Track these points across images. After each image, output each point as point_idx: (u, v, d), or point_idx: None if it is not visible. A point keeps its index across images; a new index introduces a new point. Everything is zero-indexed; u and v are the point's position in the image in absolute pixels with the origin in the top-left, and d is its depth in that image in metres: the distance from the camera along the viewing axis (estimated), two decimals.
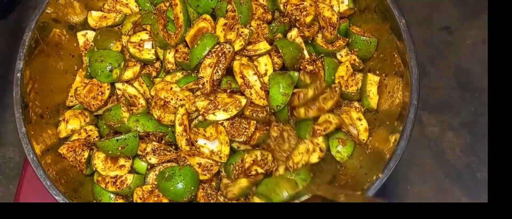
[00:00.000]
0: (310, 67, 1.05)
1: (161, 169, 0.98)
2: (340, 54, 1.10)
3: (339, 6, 1.08)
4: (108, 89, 1.03)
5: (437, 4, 2.16)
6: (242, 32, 1.00)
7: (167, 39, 1.01)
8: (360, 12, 1.10)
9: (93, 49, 1.09)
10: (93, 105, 1.03)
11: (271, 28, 1.07)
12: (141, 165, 1.03)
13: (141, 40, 1.04)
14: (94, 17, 1.12)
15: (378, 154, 0.96)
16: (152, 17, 1.06)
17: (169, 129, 1.00)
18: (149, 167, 1.03)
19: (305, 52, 1.07)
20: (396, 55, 1.00)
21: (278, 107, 0.96)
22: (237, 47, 1.00)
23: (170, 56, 1.04)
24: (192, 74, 1.02)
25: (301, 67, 1.07)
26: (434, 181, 1.91)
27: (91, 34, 1.12)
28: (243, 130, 0.96)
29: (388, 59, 1.04)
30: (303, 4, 1.06)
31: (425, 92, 2.00)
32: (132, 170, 1.03)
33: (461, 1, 2.17)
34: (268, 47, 1.00)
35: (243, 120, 0.97)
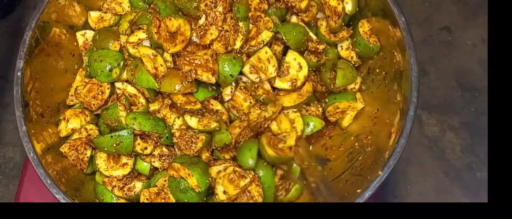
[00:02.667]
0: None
1: (171, 176, 0.98)
2: (341, 46, 1.09)
3: (342, 5, 1.08)
4: (108, 88, 1.04)
5: (437, 4, 2.17)
6: (238, 26, 1.00)
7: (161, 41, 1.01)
8: (360, 10, 1.10)
9: (92, 49, 1.09)
10: (94, 104, 1.03)
11: (269, 15, 1.06)
12: (143, 166, 1.03)
13: (139, 39, 1.04)
14: (93, 18, 1.13)
15: (378, 153, 0.97)
16: (148, 16, 1.06)
17: (166, 130, 1.01)
18: (152, 167, 1.03)
19: (311, 34, 1.06)
20: (395, 53, 1.00)
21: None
22: (238, 44, 1.00)
23: (167, 55, 1.04)
24: (208, 88, 1.02)
25: (310, 50, 1.06)
26: (434, 181, 1.92)
27: (90, 34, 1.12)
28: (191, 144, 0.98)
29: (388, 57, 1.04)
30: None
31: (425, 92, 2.01)
32: (134, 171, 1.04)
33: (461, 1, 2.17)
34: (270, 35, 1.00)
35: (193, 133, 0.98)
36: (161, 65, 1.00)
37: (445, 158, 1.95)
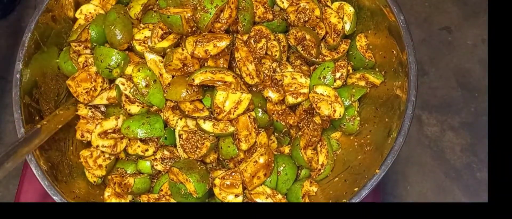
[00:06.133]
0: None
1: (171, 180, 0.98)
2: (336, 52, 1.10)
3: (342, 24, 1.09)
4: (100, 87, 1.03)
5: (437, 4, 2.17)
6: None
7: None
8: (359, 9, 1.10)
9: (98, 43, 1.07)
10: (84, 99, 1.02)
11: (272, 26, 1.07)
12: (145, 165, 1.03)
13: (145, 37, 1.05)
14: None
15: (377, 152, 0.97)
16: (152, 15, 1.06)
17: (164, 132, 1.01)
18: (155, 172, 1.04)
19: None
20: (395, 52, 1.00)
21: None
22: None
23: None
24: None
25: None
26: (434, 181, 1.92)
27: (87, 8, 1.09)
28: (196, 148, 0.97)
29: (387, 56, 1.04)
30: (300, 5, 1.06)
31: (425, 92, 2.01)
32: (137, 172, 1.05)
33: (461, 1, 2.17)
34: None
35: (199, 138, 0.98)
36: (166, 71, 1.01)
37: (445, 158, 1.95)
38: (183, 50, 0.99)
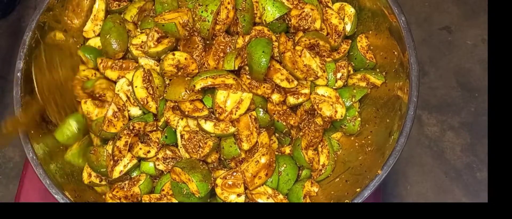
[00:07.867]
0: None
1: (174, 180, 0.98)
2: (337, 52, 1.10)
3: (343, 25, 1.08)
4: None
5: (437, 4, 2.17)
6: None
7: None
8: (360, 10, 1.10)
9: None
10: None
11: (273, 27, 1.07)
12: (148, 166, 1.04)
13: (142, 42, 1.05)
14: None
15: (378, 152, 0.97)
16: (149, 21, 1.06)
17: (165, 130, 1.01)
18: (158, 172, 1.04)
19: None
20: (396, 53, 1.01)
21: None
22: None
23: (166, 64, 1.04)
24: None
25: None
26: (434, 181, 1.92)
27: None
28: (198, 148, 0.98)
29: (388, 57, 1.04)
30: (304, 11, 1.06)
31: (425, 92, 2.01)
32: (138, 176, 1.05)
33: (461, 1, 2.17)
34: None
35: (201, 138, 0.98)
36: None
37: (445, 158, 1.95)
38: (173, 55, 0.99)
